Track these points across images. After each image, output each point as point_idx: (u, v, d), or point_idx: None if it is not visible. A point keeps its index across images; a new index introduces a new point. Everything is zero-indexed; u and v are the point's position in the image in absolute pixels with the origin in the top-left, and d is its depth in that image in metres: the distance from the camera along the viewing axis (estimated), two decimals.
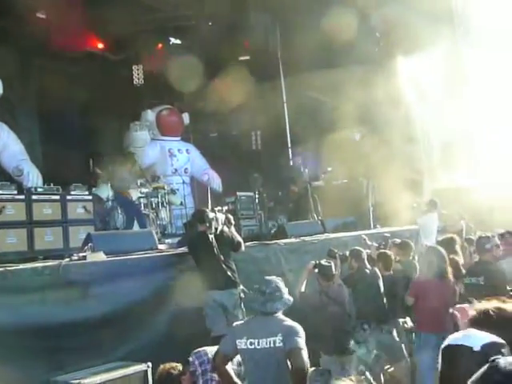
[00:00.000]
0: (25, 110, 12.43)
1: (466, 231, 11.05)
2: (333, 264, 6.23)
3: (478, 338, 1.64)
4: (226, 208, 7.35)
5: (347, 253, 6.88)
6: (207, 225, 6.37)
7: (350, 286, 6.42)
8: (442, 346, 1.73)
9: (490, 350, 1.58)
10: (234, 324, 4.29)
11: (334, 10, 10.75)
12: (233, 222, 6.97)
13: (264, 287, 4.00)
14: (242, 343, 3.88)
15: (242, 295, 6.22)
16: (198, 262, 6.34)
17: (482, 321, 1.81)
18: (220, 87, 13.32)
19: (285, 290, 4.06)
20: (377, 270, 6.71)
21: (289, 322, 3.91)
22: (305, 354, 3.69)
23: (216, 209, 6.77)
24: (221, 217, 6.60)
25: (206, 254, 6.28)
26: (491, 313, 1.84)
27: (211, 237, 6.31)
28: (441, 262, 5.99)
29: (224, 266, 6.24)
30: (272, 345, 3.76)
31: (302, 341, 3.75)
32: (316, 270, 6.18)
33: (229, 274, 6.27)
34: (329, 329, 5.84)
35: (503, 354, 1.55)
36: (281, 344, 3.74)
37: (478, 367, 1.44)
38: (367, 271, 6.65)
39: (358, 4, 9.96)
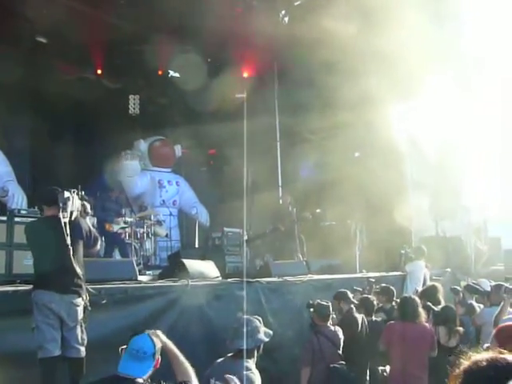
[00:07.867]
0: (18, 133, 12.42)
1: (452, 281, 10.99)
2: (330, 304, 6.14)
3: None
4: (82, 193, 5.93)
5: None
6: (60, 206, 5.00)
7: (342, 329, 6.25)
8: None
9: None
10: (215, 362, 4.14)
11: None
12: (89, 211, 5.85)
13: (236, 325, 3.90)
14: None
15: (87, 308, 5.07)
16: (37, 252, 5.10)
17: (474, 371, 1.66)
18: (213, 122, 13.39)
19: (258, 329, 3.92)
20: (363, 316, 6.60)
21: (249, 370, 3.73)
22: None
23: (72, 190, 5.30)
24: (77, 201, 5.30)
25: (51, 242, 4.96)
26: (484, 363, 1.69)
27: (64, 222, 4.94)
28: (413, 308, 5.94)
29: (72, 264, 4.92)
30: None
31: None
32: (311, 310, 6.06)
33: (74, 276, 4.95)
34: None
35: None
36: None
37: None
38: (356, 315, 6.53)
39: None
